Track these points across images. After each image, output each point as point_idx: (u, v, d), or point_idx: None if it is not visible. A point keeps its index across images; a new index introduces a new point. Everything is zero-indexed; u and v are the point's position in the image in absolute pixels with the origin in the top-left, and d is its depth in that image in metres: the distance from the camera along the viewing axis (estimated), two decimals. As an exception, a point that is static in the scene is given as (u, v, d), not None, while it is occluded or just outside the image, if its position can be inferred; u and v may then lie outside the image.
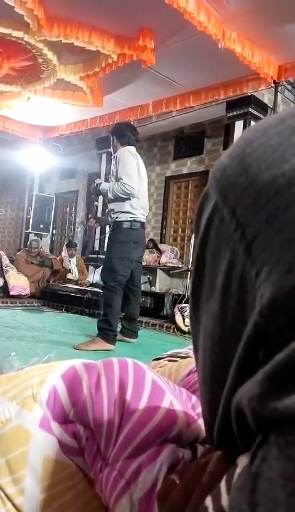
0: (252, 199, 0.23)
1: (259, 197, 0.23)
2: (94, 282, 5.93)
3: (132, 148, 3.13)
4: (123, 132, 3.15)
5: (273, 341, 0.22)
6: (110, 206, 3.10)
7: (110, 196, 3.03)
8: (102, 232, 6.50)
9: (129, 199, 3.00)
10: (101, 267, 3.17)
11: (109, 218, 3.15)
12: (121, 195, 2.98)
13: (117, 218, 3.03)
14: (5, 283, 5.40)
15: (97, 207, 3.32)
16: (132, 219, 3.02)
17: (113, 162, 3.16)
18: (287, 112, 0.26)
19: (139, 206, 3.05)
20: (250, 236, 0.23)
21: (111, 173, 3.16)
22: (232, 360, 0.25)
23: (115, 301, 2.97)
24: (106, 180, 3.34)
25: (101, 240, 6.52)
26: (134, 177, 2.99)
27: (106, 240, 3.34)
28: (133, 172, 3.00)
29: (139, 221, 3.06)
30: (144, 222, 3.14)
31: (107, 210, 3.23)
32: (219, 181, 0.26)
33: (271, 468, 0.19)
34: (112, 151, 3.32)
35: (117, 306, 2.99)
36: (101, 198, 3.21)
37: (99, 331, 2.94)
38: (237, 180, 0.25)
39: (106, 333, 2.91)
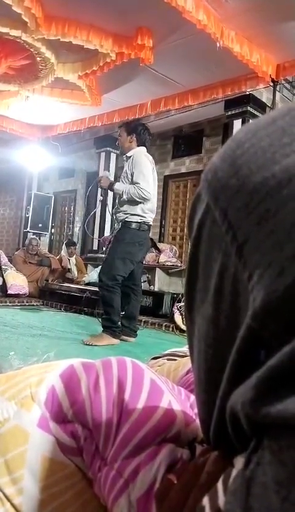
0: (243, 201, 0.23)
1: (250, 199, 0.23)
2: (93, 280, 5.92)
3: (144, 149, 3.15)
4: (142, 131, 3.14)
5: (267, 345, 0.21)
6: (122, 207, 3.08)
7: (124, 197, 3.01)
8: (101, 233, 6.50)
9: (143, 202, 3.01)
10: (102, 266, 3.13)
11: (115, 218, 3.15)
12: (137, 199, 2.97)
13: (126, 218, 3.03)
14: (4, 282, 5.39)
15: (101, 201, 3.23)
16: (141, 221, 3.04)
17: (126, 162, 3.12)
18: (278, 112, 0.25)
19: (149, 210, 3.08)
20: (241, 238, 0.23)
21: (124, 174, 3.10)
22: (226, 362, 0.25)
23: (115, 301, 3.01)
24: (116, 180, 3.27)
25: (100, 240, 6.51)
26: (151, 182, 3.01)
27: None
28: (149, 177, 3.01)
29: (147, 223, 3.09)
30: (151, 225, 3.16)
31: (114, 209, 3.20)
32: (211, 183, 0.26)
33: (265, 472, 0.19)
34: (120, 148, 3.22)
35: (118, 306, 3.04)
36: (110, 194, 3.16)
37: (104, 328, 3.01)
38: (228, 182, 0.24)
39: (112, 329, 2.99)
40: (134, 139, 3.11)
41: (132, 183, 3.00)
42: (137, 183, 2.96)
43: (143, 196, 2.96)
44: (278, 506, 0.18)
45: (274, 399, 0.20)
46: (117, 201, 3.17)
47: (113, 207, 3.36)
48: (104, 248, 3.50)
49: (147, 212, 3.06)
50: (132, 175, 3.01)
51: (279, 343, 0.20)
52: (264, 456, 0.20)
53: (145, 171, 3.00)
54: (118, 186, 3.06)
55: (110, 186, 3.09)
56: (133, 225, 3.01)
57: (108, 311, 3.01)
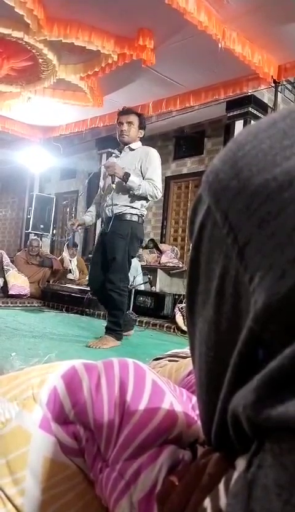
0: (245, 203, 0.23)
1: (251, 201, 0.23)
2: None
3: None
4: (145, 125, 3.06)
5: (268, 347, 0.21)
6: (121, 200, 2.87)
7: (139, 192, 2.82)
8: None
9: (148, 200, 2.92)
10: (111, 268, 2.92)
11: (108, 212, 2.92)
12: (148, 196, 2.84)
13: (125, 211, 2.87)
14: (5, 283, 5.39)
15: (114, 190, 2.88)
16: (140, 213, 2.95)
17: (127, 153, 2.96)
18: (279, 114, 0.26)
19: (146, 205, 3.03)
20: (242, 240, 0.23)
21: (130, 167, 2.87)
22: (228, 365, 0.25)
23: (124, 303, 2.96)
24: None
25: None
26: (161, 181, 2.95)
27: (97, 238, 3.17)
28: (161, 176, 2.94)
29: (143, 216, 3.00)
30: None
31: (107, 201, 2.93)
32: (212, 185, 0.26)
33: (267, 475, 0.19)
34: (124, 135, 2.94)
35: (125, 308, 2.99)
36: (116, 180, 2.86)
37: (109, 331, 2.96)
38: (229, 184, 0.24)
39: (117, 332, 2.95)
40: (141, 134, 3.03)
41: (143, 178, 2.87)
42: (152, 180, 2.84)
43: (156, 194, 2.86)
44: (280, 509, 0.18)
45: (275, 401, 0.20)
46: (112, 192, 2.90)
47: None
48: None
49: (143, 207, 2.98)
50: (144, 170, 2.88)
51: (281, 346, 0.20)
52: (266, 459, 0.20)
53: (158, 169, 2.92)
54: (134, 178, 2.80)
55: (126, 177, 2.79)
56: (134, 218, 2.89)
57: (116, 314, 2.94)
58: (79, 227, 3.16)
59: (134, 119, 2.95)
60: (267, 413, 0.20)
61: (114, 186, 2.85)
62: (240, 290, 0.24)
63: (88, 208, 3.36)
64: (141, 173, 2.90)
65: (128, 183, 2.80)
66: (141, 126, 3.00)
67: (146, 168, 2.89)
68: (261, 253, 0.22)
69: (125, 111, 2.97)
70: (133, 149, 2.99)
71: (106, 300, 3.01)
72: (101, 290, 3.01)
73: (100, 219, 3.15)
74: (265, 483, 0.19)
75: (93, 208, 3.19)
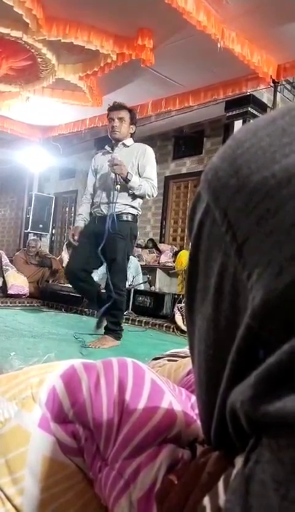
0: (243, 200, 0.23)
1: (250, 199, 0.23)
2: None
3: None
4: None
5: (266, 344, 0.22)
6: (120, 199, 2.84)
7: (140, 192, 2.81)
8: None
9: (143, 198, 2.93)
10: (112, 270, 2.89)
11: (104, 209, 2.87)
12: (146, 195, 2.84)
13: (124, 210, 2.85)
14: (4, 283, 5.39)
15: (118, 190, 2.80)
16: (136, 213, 2.95)
17: (120, 150, 2.91)
18: (278, 112, 0.26)
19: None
20: (241, 238, 0.23)
21: (131, 165, 2.83)
22: (226, 362, 0.25)
23: (124, 304, 2.97)
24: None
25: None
26: None
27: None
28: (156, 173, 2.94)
29: (138, 216, 3.01)
30: None
31: (109, 199, 2.87)
32: (211, 183, 0.26)
33: (264, 470, 0.20)
34: (116, 131, 2.87)
35: (124, 308, 3.01)
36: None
37: (109, 331, 2.96)
38: (228, 182, 0.25)
39: (117, 332, 2.96)
40: (133, 130, 2.97)
41: (141, 176, 2.85)
42: (150, 179, 2.84)
43: (153, 193, 2.86)
44: (277, 505, 0.18)
45: (273, 397, 0.20)
46: (114, 191, 2.82)
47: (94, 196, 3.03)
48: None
49: (140, 205, 2.97)
50: (141, 168, 2.87)
51: (278, 342, 0.20)
52: (263, 454, 0.20)
53: (155, 167, 2.91)
54: (135, 179, 2.78)
55: (128, 177, 2.75)
56: (130, 217, 2.88)
57: (116, 314, 2.94)
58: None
59: (125, 114, 2.89)
60: (265, 409, 0.20)
61: (118, 186, 2.80)
62: (238, 288, 0.24)
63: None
64: (138, 170, 2.88)
65: (130, 183, 2.78)
66: (133, 122, 2.95)
67: (143, 166, 2.88)
68: (259, 250, 0.22)
69: (116, 107, 2.90)
70: (128, 146, 2.94)
71: (84, 289, 3.01)
72: (80, 279, 2.95)
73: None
74: (262, 478, 0.19)
75: (84, 210, 3.09)
